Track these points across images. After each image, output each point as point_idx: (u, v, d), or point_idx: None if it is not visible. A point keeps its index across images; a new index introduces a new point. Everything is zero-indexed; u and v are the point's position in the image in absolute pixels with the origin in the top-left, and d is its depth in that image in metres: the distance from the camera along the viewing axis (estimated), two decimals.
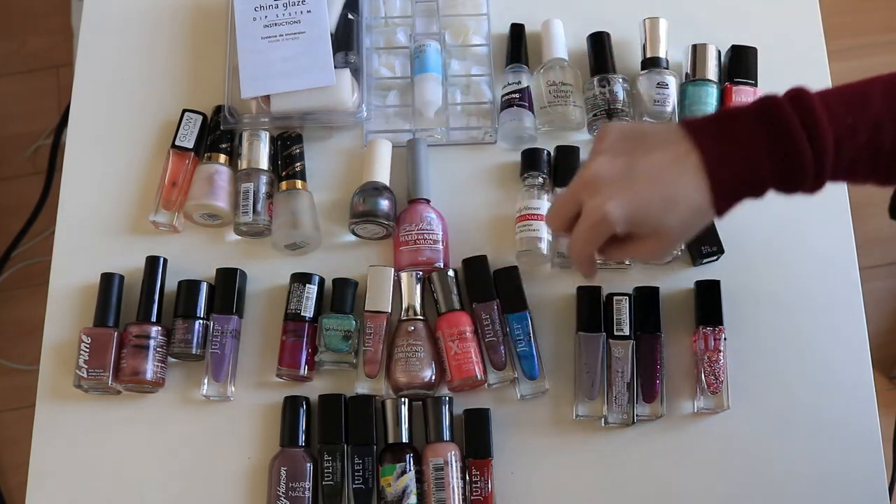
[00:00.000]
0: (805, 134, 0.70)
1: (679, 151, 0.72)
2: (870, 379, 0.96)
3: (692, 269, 1.00)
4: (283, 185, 1.00)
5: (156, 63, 1.09)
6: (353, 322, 0.94)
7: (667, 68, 1.04)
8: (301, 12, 1.03)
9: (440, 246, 0.98)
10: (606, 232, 0.73)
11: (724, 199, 0.72)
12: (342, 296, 0.95)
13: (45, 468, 0.93)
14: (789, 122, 0.70)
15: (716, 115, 0.74)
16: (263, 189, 0.99)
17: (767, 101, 0.71)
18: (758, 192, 0.73)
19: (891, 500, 0.97)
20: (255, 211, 0.98)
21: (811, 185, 0.72)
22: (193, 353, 0.93)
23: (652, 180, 0.72)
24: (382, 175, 1.00)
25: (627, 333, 0.94)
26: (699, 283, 0.97)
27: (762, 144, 0.71)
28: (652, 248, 0.75)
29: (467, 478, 0.90)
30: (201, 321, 0.94)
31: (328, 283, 0.97)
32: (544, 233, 0.97)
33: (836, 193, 1.03)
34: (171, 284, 0.97)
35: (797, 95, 0.71)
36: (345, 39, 1.04)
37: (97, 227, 1.01)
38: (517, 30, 1.08)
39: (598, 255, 0.77)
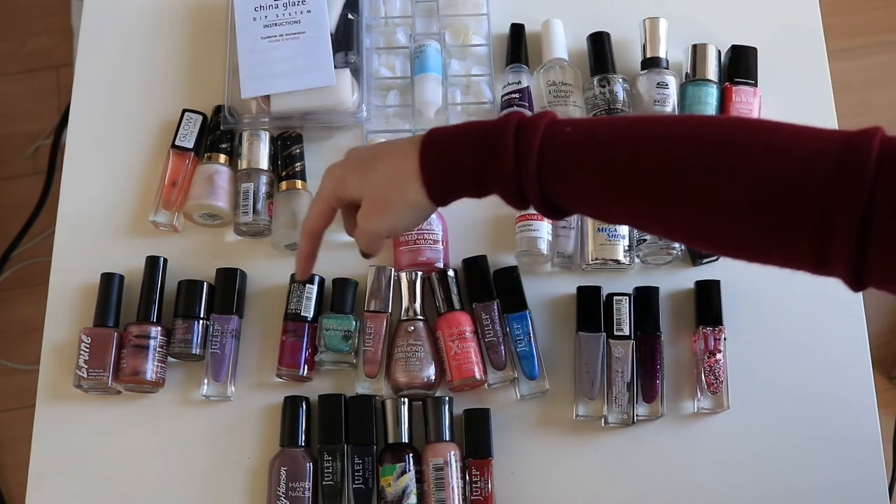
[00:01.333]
0: (517, 130, 0.69)
1: (406, 151, 0.74)
2: (870, 379, 0.96)
3: (692, 269, 1.00)
4: (283, 185, 1.00)
5: (156, 63, 1.09)
6: (353, 322, 0.94)
7: (667, 68, 1.04)
8: (301, 12, 1.03)
9: (440, 246, 0.98)
10: (335, 188, 0.77)
11: (436, 191, 0.73)
12: (342, 296, 0.95)
13: (45, 468, 0.93)
14: (509, 122, 0.70)
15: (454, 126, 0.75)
16: (263, 189, 0.99)
17: (506, 115, 0.72)
18: (469, 183, 0.72)
19: (891, 500, 0.97)
20: (255, 211, 0.98)
21: (521, 191, 0.70)
22: (193, 353, 0.93)
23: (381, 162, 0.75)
24: None
25: (627, 333, 0.94)
26: (699, 283, 0.97)
27: (476, 138, 0.71)
28: (367, 212, 0.76)
29: (467, 478, 0.90)
30: (201, 321, 0.94)
31: (328, 283, 0.97)
32: (544, 233, 0.97)
33: None
34: (171, 284, 0.97)
35: (535, 116, 0.70)
36: (345, 39, 1.04)
37: (97, 227, 1.01)
38: (517, 30, 1.08)
39: (348, 232, 0.81)
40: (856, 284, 0.60)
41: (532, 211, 0.97)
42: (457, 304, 0.95)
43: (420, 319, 0.95)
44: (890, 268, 0.58)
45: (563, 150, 0.68)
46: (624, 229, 0.97)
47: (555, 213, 0.71)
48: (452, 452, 0.90)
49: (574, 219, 0.99)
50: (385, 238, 0.78)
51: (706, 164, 0.63)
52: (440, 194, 0.73)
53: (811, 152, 0.60)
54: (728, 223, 0.64)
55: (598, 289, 0.96)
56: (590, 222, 0.98)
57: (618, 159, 0.66)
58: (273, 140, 1.02)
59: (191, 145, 1.01)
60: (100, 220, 1.02)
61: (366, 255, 0.81)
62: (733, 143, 0.63)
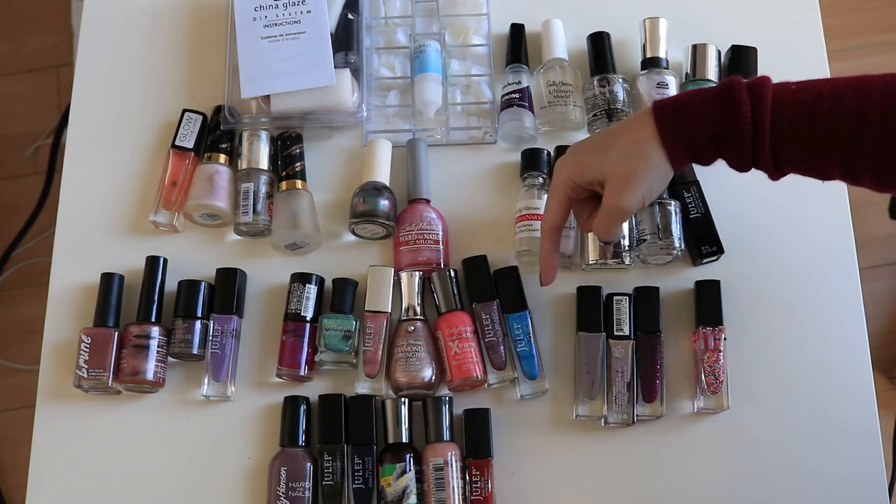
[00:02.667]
0: (748, 90, 0.75)
1: (642, 122, 0.79)
2: (870, 379, 0.96)
3: (692, 269, 1.00)
4: (283, 185, 1.00)
5: (156, 63, 1.09)
6: (353, 322, 0.94)
7: (667, 68, 1.04)
8: (301, 12, 1.03)
9: (440, 246, 0.98)
10: (569, 175, 0.81)
11: (676, 152, 0.78)
12: (342, 296, 0.95)
13: (45, 468, 0.93)
14: (738, 83, 0.76)
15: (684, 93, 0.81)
16: (263, 189, 0.99)
17: (729, 79, 0.78)
18: (704, 144, 0.78)
19: (891, 500, 0.97)
20: (255, 211, 0.98)
21: (755, 147, 0.76)
22: (193, 353, 0.93)
23: (614, 138, 0.80)
24: (382, 175, 1.00)
25: (627, 333, 0.94)
26: (699, 283, 0.97)
27: (712, 102, 0.77)
28: (616, 189, 0.79)
29: (467, 478, 0.90)
30: (201, 321, 0.94)
31: (328, 283, 0.97)
32: None
33: (836, 193, 1.03)
34: (171, 284, 0.97)
35: (757, 79, 0.77)
36: (345, 39, 1.04)
37: (97, 227, 1.01)
38: (517, 30, 1.08)
39: (584, 226, 0.86)
40: None
41: (532, 211, 0.98)
42: (457, 304, 0.95)
43: (420, 319, 0.95)
44: None
45: (793, 105, 0.74)
46: (624, 228, 0.97)
47: (777, 170, 0.78)
48: (452, 452, 0.90)
49: (574, 219, 0.99)
50: (630, 215, 0.82)
51: None
52: (679, 155, 0.78)
53: None
54: None
55: (598, 289, 0.96)
56: None
57: (844, 109, 0.72)
58: (273, 140, 1.02)
59: (191, 145, 1.01)
60: (100, 220, 1.02)
61: (605, 244, 0.88)
62: None
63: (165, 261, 0.97)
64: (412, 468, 0.90)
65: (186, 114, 1.03)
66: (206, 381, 0.93)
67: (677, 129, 0.78)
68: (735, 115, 0.75)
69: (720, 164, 1.03)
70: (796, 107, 0.74)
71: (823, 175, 0.78)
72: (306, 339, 0.94)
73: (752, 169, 0.79)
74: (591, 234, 0.97)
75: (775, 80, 1.05)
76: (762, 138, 0.75)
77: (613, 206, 0.79)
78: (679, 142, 0.78)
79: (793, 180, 1.03)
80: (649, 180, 0.79)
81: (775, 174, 0.78)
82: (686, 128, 0.77)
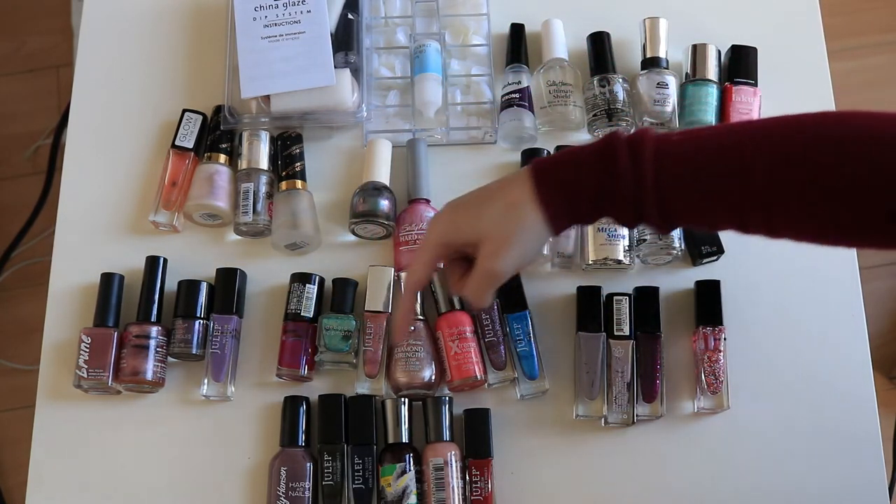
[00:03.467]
0: (628, 146, 0.72)
1: (518, 184, 0.75)
2: (870, 379, 0.96)
3: (692, 269, 1.00)
4: (283, 185, 1.00)
5: (156, 63, 1.09)
6: (353, 322, 0.94)
7: (667, 68, 1.04)
8: (301, 12, 1.03)
9: None
10: (439, 236, 0.77)
11: (554, 214, 0.74)
12: (342, 296, 0.95)
13: (45, 468, 0.93)
14: (617, 139, 0.72)
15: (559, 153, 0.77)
16: (263, 189, 0.99)
17: (610, 134, 0.74)
18: (584, 204, 0.74)
19: (891, 500, 0.97)
20: (255, 211, 0.98)
21: (638, 204, 0.72)
22: (193, 353, 0.93)
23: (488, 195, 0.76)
24: (382, 175, 1.00)
25: (627, 333, 0.94)
26: (699, 283, 0.97)
27: (590, 161, 0.73)
28: (490, 252, 0.75)
29: (467, 478, 0.90)
30: (201, 321, 0.94)
31: (328, 283, 0.97)
32: None
33: None
34: (171, 284, 0.97)
35: (639, 132, 0.73)
36: (345, 39, 1.04)
37: (97, 227, 1.01)
38: (517, 30, 1.08)
39: (454, 288, 0.80)
40: None
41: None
42: (457, 304, 0.95)
43: (420, 319, 0.95)
44: None
45: (675, 158, 0.71)
46: (623, 229, 0.97)
47: (665, 224, 0.73)
48: (452, 452, 0.90)
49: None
50: (504, 280, 0.77)
51: (815, 156, 0.67)
52: (557, 218, 0.74)
53: None
54: (835, 211, 0.67)
55: (598, 289, 0.96)
56: None
57: (727, 160, 0.69)
58: (273, 140, 1.02)
59: (191, 145, 1.01)
60: (100, 220, 1.02)
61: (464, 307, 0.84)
62: (833, 137, 0.67)
63: (165, 261, 0.97)
64: (412, 468, 0.90)
65: (186, 114, 1.03)
66: (206, 381, 0.93)
67: (555, 191, 0.73)
68: (615, 173, 0.71)
69: None
70: (678, 161, 0.70)
71: (714, 227, 0.75)
72: (306, 339, 0.94)
73: (639, 224, 0.75)
74: (591, 233, 0.97)
75: (775, 81, 1.05)
76: (645, 196, 0.71)
77: (488, 270, 0.74)
78: (557, 204, 0.73)
79: None
80: (525, 243, 0.75)
81: (664, 228, 0.74)
82: (564, 190, 0.73)
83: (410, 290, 0.81)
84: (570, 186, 0.73)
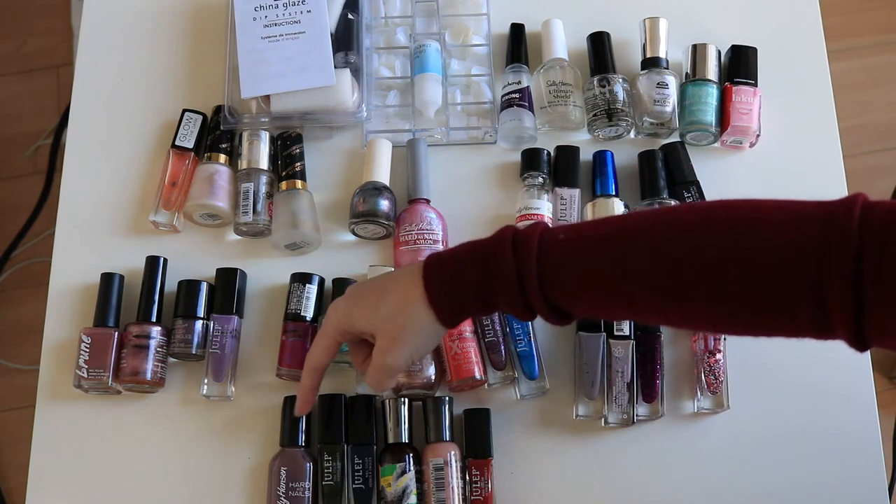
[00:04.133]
0: (513, 245, 0.73)
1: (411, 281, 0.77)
2: (870, 379, 0.96)
3: None
4: (283, 185, 1.00)
5: (156, 63, 1.09)
6: None
7: (667, 68, 1.04)
8: (301, 12, 1.03)
9: (440, 246, 0.98)
10: (338, 326, 0.80)
11: (445, 313, 0.76)
12: None
13: (45, 468, 0.93)
14: (504, 237, 0.74)
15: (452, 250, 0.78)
16: (263, 189, 0.99)
17: (499, 231, 0.75)
18: (474, 301, 0.75)
19: (891, 500, 0.97)
20: (255, 211, 0.98)
21: (526, 303, 0.73)
22: (193, 353, 0.93)
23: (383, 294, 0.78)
24: (382, 175, 1.00)
25: (627, 333, 0.94)
26: None
27: (476, 259, 0.75)
28: (384, 347, 0.77)
29: (467, 478, 0.90)
30: (201, 321, 0.94)
31: (328, 283, 0.97)
32: None
33: (836, 194, 1.02)
34: (171, 284, 0.97)
35: (527, 229, 0.74)
36: (345, 39, 1.04)
37: (97, 227, 1.01)
38: (517, 30, 1.08)
39: (359, 369, 0.83)
40: (860, 346, 0.63)
41: (532, 211, 0.98)
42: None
43: None
44: (886, 330, 0.60)
45: (559, 259, 0.71)
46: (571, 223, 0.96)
47: (562, 319, 0.74)
48: (452, 452, 0.90)
49: (574, 218, 0.99)
50: (402, 370, 0.79)
51: (698, 253, 0.66)
52: (448, 315, 0.76)
53: (795, 233, 0.63)
54: (726, 308, 0.66)
55: None
56: None
57: (611, 259, 0.69)
58: (273, 140, 1.02)
59: (191, 145, 1.01)
60: (100, 220, 1.02)
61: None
62: (720, 230, 0.66)
63: (165, 261, 0.97)
64: (412, 468, 0.90)
65: (186, 114, 1.03)
66: (206, 381, 0.93)
67: (444, 290, 0.75)
68: (499, 272, 0.72)
69: (720, 164, 1.04)
70: (563, 256, 0.71)
71: (610, 316, 0.76)
72: (306, 339, 0.94)
73: (535, 317, 0.75)
74: None
75: (775, 81, 1.06)
76: (531, 292, 0.72)
77: (382, 364, 0.77)
78: (446, 302, 0.75)
79: (792, 179, 1.03)
80: (417, 339, 0.77)
81: (559, 321, 0.74)
82: (452, 288, 0.75)
83: (310, 372, 0.83)
84: (457, 285, 0.75)
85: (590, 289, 0.71)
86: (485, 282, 0.74)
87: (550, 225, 0.74)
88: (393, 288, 0.78)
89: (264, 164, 1.00)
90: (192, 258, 0.99)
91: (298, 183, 1.00)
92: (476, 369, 0.93)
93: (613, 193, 1.00)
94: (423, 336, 0.77)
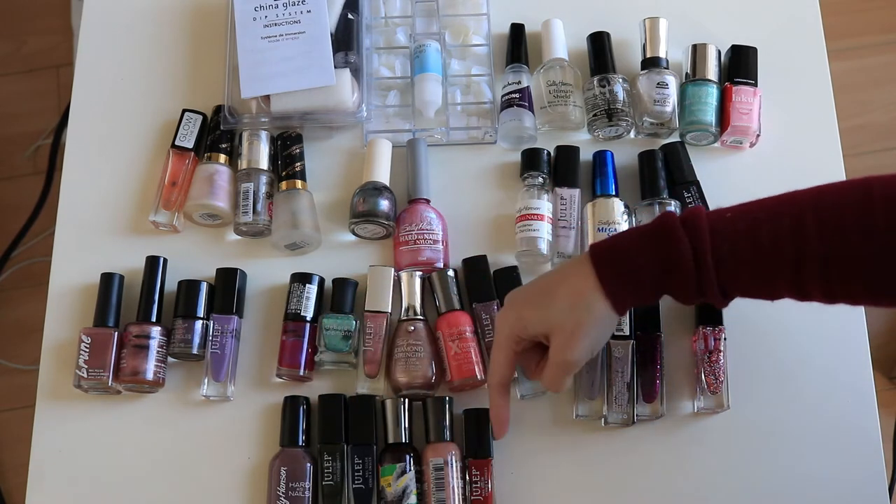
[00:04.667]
0: (683, 226, 0.74)
1: (580, 273, 0.78)
2: (870, 379, 0.96)
3: None
4: (283, 185, 1.00)
5: (156, 63, 1.09)
6: (353, 322, 0.94)
7: (667, 68, 1.04)
8: (301, 12, 1.03)
9: (440, 246, 0.98)
10: (515, 330, 0.79)
11: (620, 300, 0.77)
12: (342, 296, 0.95)
13: (45, 468, 0.93)
14: (671, 220, 0.75)
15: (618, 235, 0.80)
16: (263, 189, 0.99)
17: (662, 216, 0.77)
18: (648, 287, 0.77)
19: (891, 500, 0.97)
20: (255, 211, 0.98)
21: (700, 282, 0.75)
22: (193, 353, 0.93)
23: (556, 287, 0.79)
24: (382, 175, 1.00)
25: (627, 333, 0.94)
26: None
27: (649, 244, 0.76)
28: (562, 344, 0.77)
29: (467, 478, 0.90)
30: (201, 321, 0.94)
31: (328, 283, 0.97)
32: (544, 233, 0.97)
33: None
34: (171, 284, 0.97)
35: (691, 211, 0.76)
36: (345, 39, 1.04)
37: (97, 227, 1.01)
38: (517, 30, 1.08)
39: (532, 377, 0.84)
40: None
41: (532, 211, 0.98)
42: (457, 304, 0.95)
43: (420, 319, 0.95)
44: None
45: (732, 235, 0.73)
46: (624, 229, 0.97)
47: (726, 299, 0.77)
48: (452, 452, 0.90)
49: (574, 218, 0.99)
50: (580, 367, 0.79)
51: (865, 222, 0.69)
52: (623, 302, 0.77)
53: None
54: (890, 278, 0.70)
55: None
56: (590, 222, 0.98)
57: (783, 230, 0.72)
58: (273, 140, 1.02)
59: (191, 145, 1.01)
60: (100, 220, 1.02)
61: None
62: (881, 200, 0.70)
63: (165, 261, 0.97)
64: (412, 468, 0.90)
65: (186, 114, 1.03)
66: (206, 381, 0.93)
67: (619, 278, 0.76)
68: (675, 255, 0.74)
69: (720, 164, 1.04)
70: (736, 236, 0.73)
71: (773, 296, 0.76)
72: (306, 339, 0.94)
73: (701, 301, 0.77)
74: (591, 234, 0.97)
75: (775, 81, 1.06)
76: (706, 273, 0.74)
77: (562, 362, 0.77)
78: (622, 290, 0.76)
79: (792, 179, 1.03)
80: (596, 332, 0.77)
81: (722, 302, 0.77)
82: (627, 276, 0.76)
83: (498, 389, 0.83)
84: (634, 274, 0.76)
85: (762, 264, 0.73)
86: (660, 267, 0.75)
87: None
88: (563, 284, 0.78)
89: (264, 164, 1.00)
90: (192, 258, 0.99)
91: (298, 183, 1.00)
92: (476, 369, 0.93)
93: (613, 193, 1.00)
94: (602, 327, 0.78)
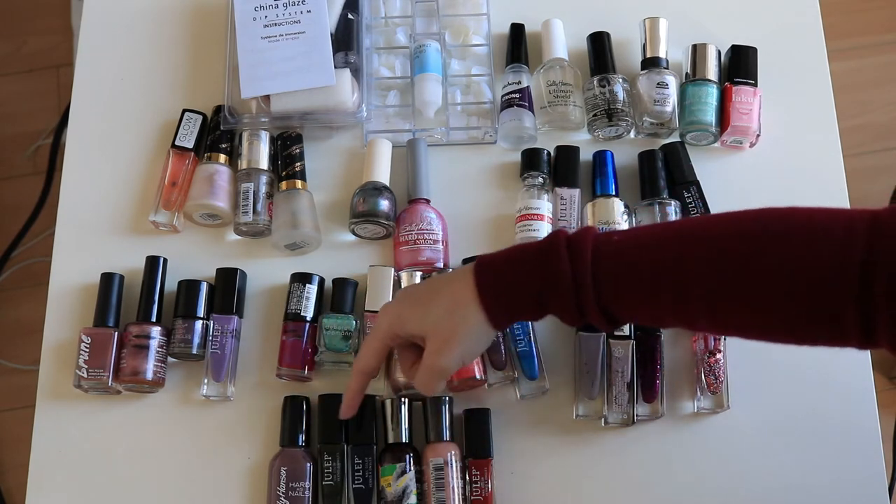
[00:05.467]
0: (567, 246, 0.74)
1: (462, 282, 0.77)
2: (870, 379, 0.96)
3: None
4: (283, 185, 1.00)
5: (156, 63, 1.09)
6: (353, 322, 0.94)
7: (667, 68, 1.04)
8: (301, 12, 1.03)
9: (440, 246, 0.98)
10: (390, 330, 0.80)
11: (496, 313, 0.76)
12: (342, 296, 0.95)
13: (45, 468, 0.93)
14: (558, 240, 0.74)
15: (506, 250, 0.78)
16: (263, 189, 0.99)
17: (552, 234, 0.76)
18: (527, 303, 0.76)
19: (891, 500, 0.97)
20: (255, 211, 0.98)
21: (579, 303, 0.74)
22: (193, 353, 0.93)
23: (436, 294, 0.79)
24: (382, 175, 1.00)
25: (627, 333, 0.94)
26: None
27: (532, 260, 0.75)
28: (435, 349, 0.77)
29: (467, 478, 0.90)
30: (201, 321, 0.94)
31: (328, 283, 0.97)
32: (544, 233, 0.97)
33: (836, 193, 1.03)
34: (171, 284, 0.97)
35: (579, 231, 0.75)
36: (345, 39, 1.04)
37: (97, 227, 1.01)
38: (517, 30, 1.08)
39: (406, 375, 0.83)
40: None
41: (532, 211, 0.98)
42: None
43: None
44: None
45: (614, 258, 0.72)
46: (623, 229, 0.97)
47: (610, 323, 0.75)
48: (452, 452, 0.90)
49: (574, 218, 0.99)
50: (451, 373, 0.79)
51: (752, 255, 0.67)
52: (499, 316, 0.76)
53: (844, 232, 0.64)
54: (777, 309, 0.68)
55: None
56: (590, 222, 0.98)
57: (666, 259, 0.70)
58: (273, 140, 1.02)
59: (191, 145, 1.01)
60: (100, 220, 1.02)
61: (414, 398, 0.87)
62: (774, 233, 0.67)
63: (165, 261, 0.97)
64: (412, 468, 0.90)
65: (186, 114, 1.03)
66: (206, 381, 0.93)
67: (497, 292, 0.75)
68: (554, 272, 0.73)
69: (720, 164, 1.04)
70: (619, 259, 0.72)
71: (661, 324, 0.76)
72: (306, 339, 0.94)
73: (585, 322, 0.76)
74: None
75: (775, 81, 1.06)
76: (584, 294, 0.72)
77: (433, 366, 0.77)
78: (499, 304, 0.76)
79: (792, 179, 1.03)
80: (469, 341, 0.77)
81: (607, 327, 0.76)
82: (506, 290, 0.75)
83: (357, 375, 0.84)
84: (511, 287, 0.75)
85: (643, 291, 0.72)
86: (539, 284, 0.74)
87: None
88: (445, 290, 0.78)
89: (264, 164, 1.00)
90: (192, 258, 0.99)
91: (298, 183, 1.00)
92: (476, 369, 0.93)
93: (613, 193, 1.00)
94: (475, 338, 0.78)
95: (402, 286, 0.95)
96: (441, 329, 0.77)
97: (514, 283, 0.75)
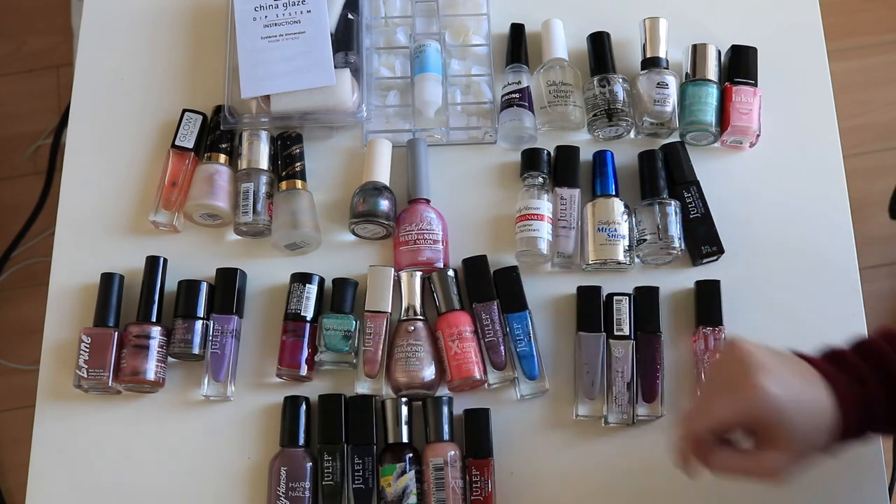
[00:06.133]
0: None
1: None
2: None
3: (692, 269, 1.00)
4: (283, 185, 1.00)
5: (156, 63, 1.09)
6: (353, 322, 0.94)
7: (667, 68, 1.04)
8: (301, 12, 1.03)
9: (440, 246, 0.98)
10: (743, 410, 0.74)
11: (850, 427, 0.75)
12: (342, 296, 0.95)
13: (45, 468, 0.93)
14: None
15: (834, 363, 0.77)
16: (263, 189, 0.99)
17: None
18: (877, 427, 0.77)
19: (891, 500, 0.97)
20: (255, 211, 0.98)
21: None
22: (193, 353, 0.93)
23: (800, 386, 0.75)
24: (382, 175, 1.00)
25: (627, 333, 0.94)
26: (699, 283, 0.97)
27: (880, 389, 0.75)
28: (774, 458, 0.76)
29: (467, 478, 0.90)
30: (201, 321, 0.94)
31: (328, 283, 0.97)
32: (544, 233, 0.97)
33: (836, 193, 1.03)
34: (171, 284, 0.97)
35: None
36: (345, 39, 1.04)
37: (97, 227, 1.01)
38: (517, 30, 1.08)
39: (707, 462, 0.77)
40: None
41: (532, 211, 0.98)
42: (457, 304, 0.95)
43: (420, 319, 0.95)
44: None
45: None
46: (624, 229, 0.97)
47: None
48: (452, 452, 0.90)
49: (574, 218, 0.99)
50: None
51: None
52: (849, 430, 0.75)
53: None
54: None
55: (598, 289, 0.96)
56: (590, 222, 0.98)
57: None
58: (273, 140, 1.02)
59: (191, 145, 1.01)
60: (100, 220, 1.02)
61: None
62: None
63: (165, 261, 0.97)
64: (412, 468, 0.90)
65: (186, 114, 1.03)
66: (206, 381, 0.93)
67: (857, 426, 0.76)
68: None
69: (720, 164, 1.04)
70: None
71: None
72: (306, 339, 0.94)
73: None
74: (591, 234, 0.97)
75: (775, 81, 1.06)
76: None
77: (770, 470, 0.78)
78: (853, 437, 0.76)
79: (792, 179, 1.03)
80: (812, 460, 0.77)
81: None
82: (864, 424, 0.76)
83: (691, 440, 0.77)
84: (868, 420, 0.75)
85: None
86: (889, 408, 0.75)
87: None
88: (812, 407, 0.74)
89: (264, 164, 1.00)
90: (192, 258, 0.99)
91: (298, 183, 1.00)
92: (476, 369, 0.93)
93: (613, 193, 1.00)
94: (818, 458, 0.77)
95: (402, 286, 0.95)
96: (800, 445, 0.76)
97: (877, 419, 0.76)
